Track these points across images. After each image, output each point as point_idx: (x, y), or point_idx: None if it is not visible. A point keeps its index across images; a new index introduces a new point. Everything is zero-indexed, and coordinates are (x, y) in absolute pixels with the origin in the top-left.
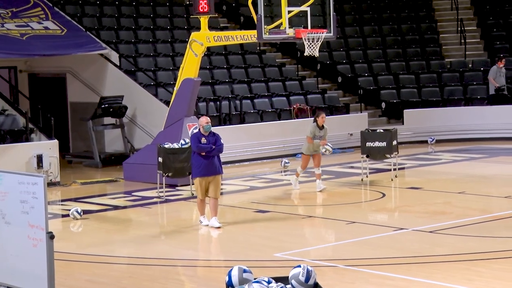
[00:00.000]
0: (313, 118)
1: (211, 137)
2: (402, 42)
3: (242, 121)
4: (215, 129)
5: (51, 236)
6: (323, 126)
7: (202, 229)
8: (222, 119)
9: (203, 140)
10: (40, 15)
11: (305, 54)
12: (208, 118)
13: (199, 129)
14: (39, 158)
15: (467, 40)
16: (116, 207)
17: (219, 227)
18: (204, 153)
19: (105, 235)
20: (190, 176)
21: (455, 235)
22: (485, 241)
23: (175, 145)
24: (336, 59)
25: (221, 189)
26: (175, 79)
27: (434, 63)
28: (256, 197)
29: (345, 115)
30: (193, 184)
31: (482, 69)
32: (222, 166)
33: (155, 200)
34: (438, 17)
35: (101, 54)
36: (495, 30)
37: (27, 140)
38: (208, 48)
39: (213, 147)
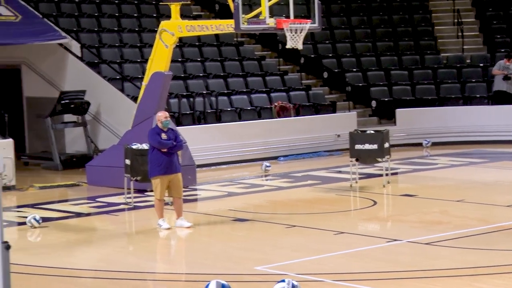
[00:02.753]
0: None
1: (170, 133)
2: (393, 34)
3: (218, 120)
4: (188, 129)
5: (6, 247)
6: None
7: (175, 239)
8: (196, 118)
9: (163, 136)
10: None
11: (287, 47)
12: (167, 113)
13: (156, 125)
14: None
15: (464, 33)
16: (78, 214)
17: (189, 227)
18: (165, 150)
19: (66, 246)
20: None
21: (453, 247)
22: (487, 254)
23: (144, 146)
24: (321, 53)
25: (196, 195)
26: (144, 73)
27: (429, 58)
28: (235, 204)
29: (332, 114)
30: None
31: (481, 65)
32: (197, 169)
33: (122, 206)
34: (433, 7)
35: (61, 44)
36: (495, 22)
37: None
38: (180, 39)
39: (174, 143)
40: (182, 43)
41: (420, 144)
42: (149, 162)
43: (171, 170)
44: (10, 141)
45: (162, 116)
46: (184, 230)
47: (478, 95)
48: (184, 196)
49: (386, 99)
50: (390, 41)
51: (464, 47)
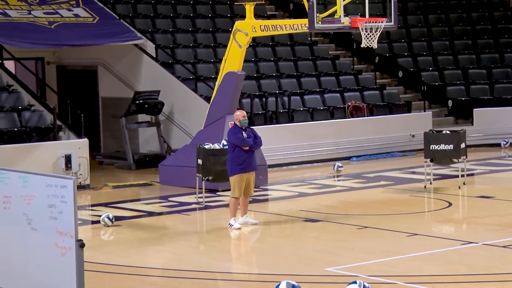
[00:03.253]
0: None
1: (249, 131)
2: (472, 32)
3: (290, 120)
4: (260, 128)
5: (81, 245)
6: None
7: (246, 239)
8: (268, 118)
9: (244, 134)
10: (70, 1)
11: (361, 46)
12: (244, 112)
13: (235, 124)
14: (68, 159)
15: None
16: (150, 214)
17: (256, 223)
18: (247, 148)
19: (138, 244)
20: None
21: None
22: None
23: (216, 146)
24: (396, 51)
25: (267, 195)
26: (217, 73)
27: (508, 56)
28: (306, 205)
29: (407, 114)
30: None
31: None
32: (268, 169)
33: (193, 206)
34: None
35: (136, 45)
36: None
37: (55, 138)
38: (254, 39)
39: (255, 141)
40: (256, 43)
41: (498, 145)
42: (230, 161)
43: (252, 167)
44: (85, 141)
45: (240, 115)
46: (255, 231)
47: None
48: (255, 196)
49: (463, 99)
50: (468, 39)
51: None
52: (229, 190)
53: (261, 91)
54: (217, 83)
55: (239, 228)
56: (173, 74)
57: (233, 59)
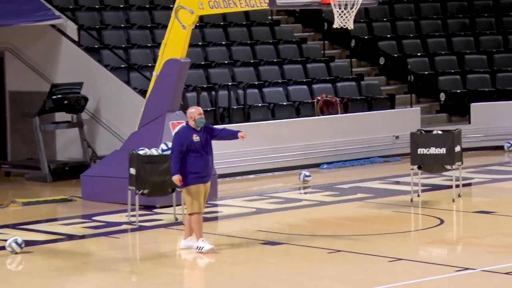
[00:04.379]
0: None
1: (203, 134)
2: (469, 9)
3: (246, 118)
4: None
5: None
6: None
7: (191, 268)
8: (219, 116)
9: (195, 137)
10: None
11: (334, 26)
12: (201, 109)
13: (187, 123)
14: None
15: None
16: (70, 237)
17: (212, 248)
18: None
19: (55, 275)
20: (174, 193)
21: None
22: None
23: (154, 151)
24: (377, 33)
25: (217, 212)
26: (155, 60)
27: None
28: (265, 224)
29: (390, 111)
30: (178, 205)
31: None
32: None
33: (124, 227)
34: None
35: (53, 26)
36: None
37: None
38: (201, 18)
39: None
40: (204, 23)
41: (501, 148)
42: (182, 169)
43: (209, 176)
44: None
45: (195, 113)
46: (202, 256)
47: None
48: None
49: (458, 91)
50: (465, 18)
51: None
52: (170, 206)
53: (210, 83)
54: (154, 73)
55: (212, 249)
56: (100, 62)
57: (175, 43)
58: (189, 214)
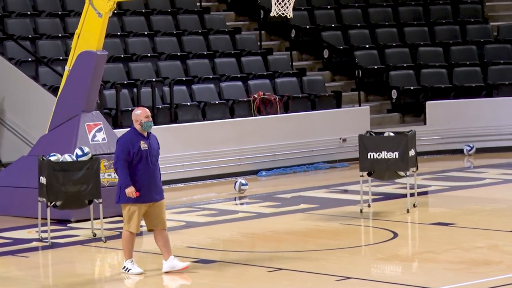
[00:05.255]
0: None
1: (152, 140)
2: None
3: (173, 119)
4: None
5: None
6: None
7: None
8: None
9: (143, 145)
10: None
11: (271, 15)
12: (148, 110)
13: (132, 127)
14: None
15: None
16: None
17: (186, 267)
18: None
19: None
20: (91, 205)
21: None
22: None
23: (67, 157)
24: (320, 22)
25: (141, 226)
26: (67, 53)
27: (472, 29)
28: (196, 240)
29: (335, 110)
30: (96, 218)
31: None
32: None
33: (34, 244)
34: None
35: None
36: None
37: None
38: (119, 4)
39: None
40: (123, 10)
41: (460, 151)
42: (119, 182)
43: (154, 195)
44: None
45: (142, 115)
46: (124, 277)
47: None
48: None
49: (411, 88)
50: (418, 6)
51: None
52: (87, 220)
53: (131, 79)
54: (67, 68)
55: (141, 273)
56: (3, 55)
57: (90, 34)
58: (125, 231)
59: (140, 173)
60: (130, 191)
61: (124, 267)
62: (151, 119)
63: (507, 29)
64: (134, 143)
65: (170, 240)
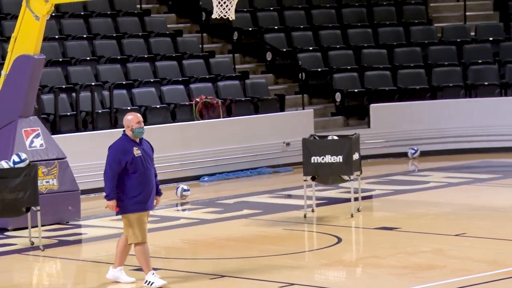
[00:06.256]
0: None
1: (144, 146)
2: None
3: (113, 124)
4: (68, 137)
5: None
6: None
7: None
8: (81, 121)
9: (136, 151)
10: None
11: (213, 17)
12: (140, 116)
13: (124, 133)
14: None
15: None
16: None
17: (164, 284)
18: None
19: None
20: (29, 213)
21: None
22: None
23: (4, 164)
24: (263, 24)
25: (80, 234)
26: (3, 57)
27: (416, 30)
28: None
29: (279, 114)
30: (34, 226)
31: (491, 39)
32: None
33: None
34: None
35: None
36: None
37: None
38: (57, 7)
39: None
40: (61, 12)
41: (404, 154)
42: (120, 192)
43: (151, 204)
44: None
45: (133, 120)
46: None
47: (486, 83)
48: (63, 235)
49: (355, 91)
50: (361, 7)
51: (467, 13)
52: (24, 228)
53: (69, 83)
54: (3, 72)
55: (165, 284)
56: None
57: (27, 37)
58: (129, 244)
59: (138, 180)
60: (112, 204)
61: (146, 281)
62: (143, 124)
63: (451, 31)
64: (127, 151)
65: (118, 249)
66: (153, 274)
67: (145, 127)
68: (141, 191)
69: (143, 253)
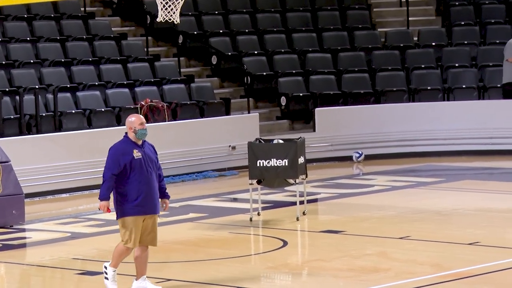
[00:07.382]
0: None
1: (146, 148)
2: (310, 1)
3: (57, 127)
4: (11, 141)
5: None
6: None
7: None
8: (25, 125)
9: (136, 153)
10: None
11: (158, 20)
12: (142, 117)
13: (126, 135)
14: None
15: (410, 0)
16: None
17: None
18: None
19: None
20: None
21: None
22: None
23: None
24: (208, 28)
25: (24, 238)
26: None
27: (360, 35)
28: (82, 251)
29: (224, 117)
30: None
31: (433, 44)
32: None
33: None
34: None
35: None
36: None
37: None
38: (0, 9)
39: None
40: (3, 15)
41: (349, 158)
42: (115, 194)
43: (154, 208)
44: None
45: (136, 122)
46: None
47: (429, 87)
48: (6, 239)
49: (300, 94)
50: (306, 12)
51: (410, 19)
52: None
53: (13, 86)
54: None
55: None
56: None
57: None
58: (131, 248)
59: (137, 183)
60: (105, 205)
61: (106, 268)
62: (145, 126)
63: (395, 35)
64: (126, 153)
65: (135, 261)
66: (114, 271)
67: (89, 130)
68: (140, 194)
69: (122, 253)
